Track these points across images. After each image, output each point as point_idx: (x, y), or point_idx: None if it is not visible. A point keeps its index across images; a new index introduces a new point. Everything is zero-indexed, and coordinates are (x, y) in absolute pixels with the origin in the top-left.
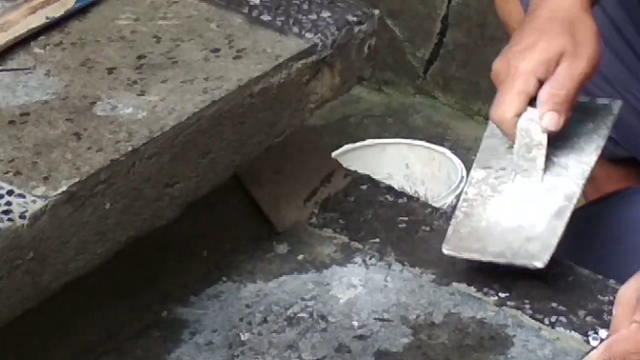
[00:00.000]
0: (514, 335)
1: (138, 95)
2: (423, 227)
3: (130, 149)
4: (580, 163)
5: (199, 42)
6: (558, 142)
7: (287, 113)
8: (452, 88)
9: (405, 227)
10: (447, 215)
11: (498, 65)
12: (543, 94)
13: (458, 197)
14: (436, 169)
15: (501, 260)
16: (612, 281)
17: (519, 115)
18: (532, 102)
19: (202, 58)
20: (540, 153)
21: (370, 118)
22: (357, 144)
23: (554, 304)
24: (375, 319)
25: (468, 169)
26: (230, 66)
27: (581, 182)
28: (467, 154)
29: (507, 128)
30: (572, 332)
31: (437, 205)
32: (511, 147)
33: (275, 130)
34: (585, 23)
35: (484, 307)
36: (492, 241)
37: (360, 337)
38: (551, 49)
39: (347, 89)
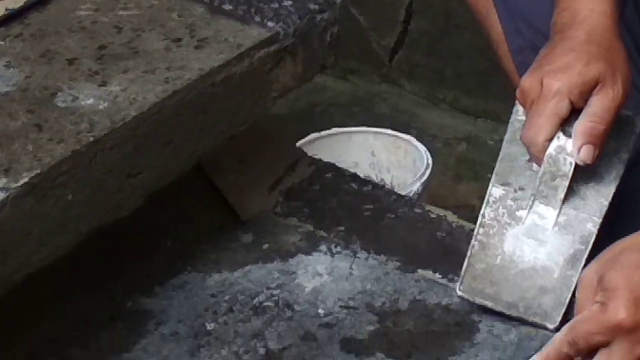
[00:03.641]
0: (480, 321)
1: (99, 85)
2: (388, 215)
3: (91, 139)
4: (598, 194)
5: (160, 32)
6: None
7: (249, 102)
8: (418, 76)
9: (370, 215)
10: (412, 202)
11: (527, 83)
12: (580, 126)
13: (424, 184)
14: (402, 156)
15: (514, 313)
16: None
17: (550, 139)
18: (562, 123)
19: (163, 48)
20: (564, 184)
21: (336, 107)
22: (323, 133)
23: None
24: (340, 306)
25: (434, 156)
26: (192, 56)
27: (598, 220)
28: (432, 141)
29: (537, 151)
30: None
31: (403, 192)
32: (531, 160)
33: (238, 120)
34: (620, 51)
35: (450, 293)
36: (506, 287)
37: (326, 325)
38: (588, 73)
39: (310, 78)
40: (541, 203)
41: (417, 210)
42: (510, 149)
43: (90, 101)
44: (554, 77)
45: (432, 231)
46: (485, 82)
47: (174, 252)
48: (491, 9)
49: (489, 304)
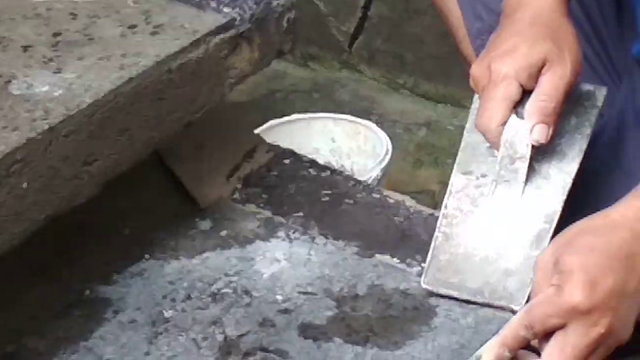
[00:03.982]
0: (437, 305)
1: (54, 73)
2: (346, 200)
3: (46, 127)
4: (561, 172)
5: (115, 19)
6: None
7: (206, 88)
8: (378, 62)
9: (328, 201)
10: (370, 187)
11: (477, 70)
12: (531, 107)
13: (384, 170)
14: (362, 142)
15: (479, 299)
16: None
17: (504, 123)
18: (515, 106)
19: (119, 34)
20: (523, 166)
21: (296, 93)
22: (283, 119)
23: None
24: (299, 292)
25: (394, 142)
26: (148, 42)
27: (562, 197)
28: (392, 127)
29: (493, 137)
30: None
31: (363, 178)
32: (492, 147)
33: (194, 106)
34: (567, 29)
35: (407, 278)
36: (471, 274)
37: (285, 311)
38: (534, 54)
39: (267, 63)
40: (504, 187)
41: (375, 195)
42: (471, 137)
43: (45, 88)
44: (501, 62)
45: (390, 216)
46: (446, 67)
47: (131, 240)
48: None
49: (454, 293)
